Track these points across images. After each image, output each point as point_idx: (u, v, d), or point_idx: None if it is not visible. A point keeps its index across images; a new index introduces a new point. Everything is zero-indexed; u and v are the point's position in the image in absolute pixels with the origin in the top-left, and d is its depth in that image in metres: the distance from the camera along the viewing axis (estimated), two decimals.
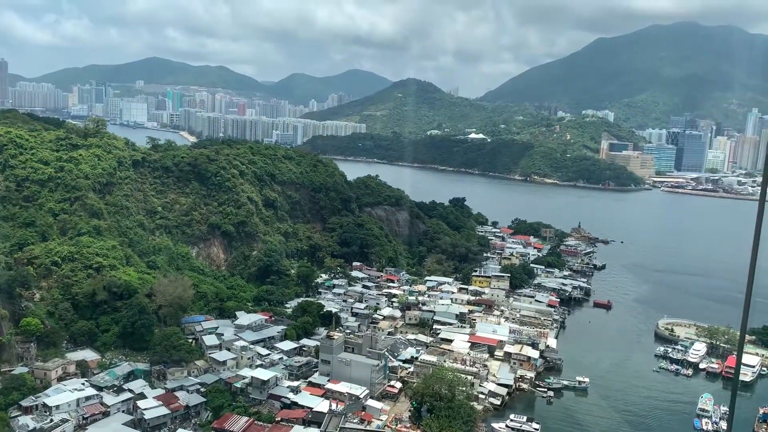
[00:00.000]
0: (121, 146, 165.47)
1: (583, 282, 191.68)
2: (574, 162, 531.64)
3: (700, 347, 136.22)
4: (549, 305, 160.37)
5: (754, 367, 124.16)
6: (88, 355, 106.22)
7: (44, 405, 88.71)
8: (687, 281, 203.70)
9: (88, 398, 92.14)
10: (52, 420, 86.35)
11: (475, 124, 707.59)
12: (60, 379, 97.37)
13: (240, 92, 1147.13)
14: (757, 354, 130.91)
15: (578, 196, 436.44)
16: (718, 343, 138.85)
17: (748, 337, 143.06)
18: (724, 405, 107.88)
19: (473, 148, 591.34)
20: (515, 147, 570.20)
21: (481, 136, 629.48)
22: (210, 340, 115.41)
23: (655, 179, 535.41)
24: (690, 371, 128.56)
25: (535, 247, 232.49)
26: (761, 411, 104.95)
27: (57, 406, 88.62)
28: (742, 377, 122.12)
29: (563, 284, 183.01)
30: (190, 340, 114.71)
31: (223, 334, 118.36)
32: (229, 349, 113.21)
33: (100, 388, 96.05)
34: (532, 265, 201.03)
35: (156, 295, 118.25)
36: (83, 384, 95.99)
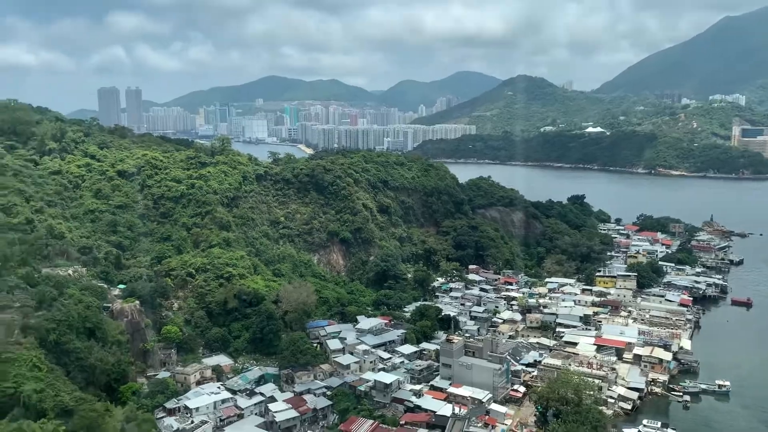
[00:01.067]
0: (245, 162, 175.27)
1: (719, 279, 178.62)
2: (702, 151, 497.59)
3: None
4: (681, 304, 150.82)
5: None
6: (222, 360, 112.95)
7: (185, 407, 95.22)
8: None
9: (224, 401, 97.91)
10: (192, 421, 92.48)
11: (592, 118, 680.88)
12: (198, 383, 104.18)
13: (351, 103, 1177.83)
14: None
15: (709, 188, 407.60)
16: None
17: None
18: None
19: (591, 143, 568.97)
20: (637, 139, 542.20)
21: (599, 129, 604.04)
22: (334, 344, 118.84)
23: None
24: None
25: (663, 244, 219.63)
26: None
27: (197, 409, 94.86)
28: None
29: (696, 282, 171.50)
30: (315, 345, 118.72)
31: (345, 338, 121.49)
32: (352, 353, 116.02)
33: (234, 392, 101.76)
34: (660, 262, 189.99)
35: (282, 301, 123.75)
36: (219, 388, 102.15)
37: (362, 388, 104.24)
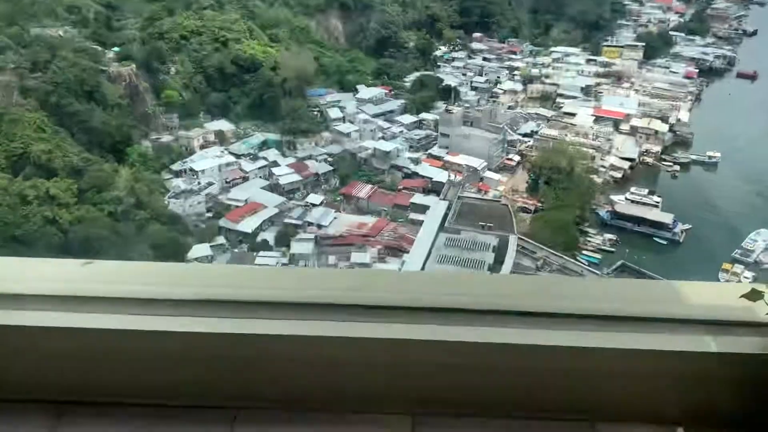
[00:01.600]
0: None
1: (728, 50, 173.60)
2: None
3: None
4: (686, 76, 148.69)
5: None
6: (224, 125, 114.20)
7: (191, 169, 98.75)
8: None
9: (228, 164, 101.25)
10: (199, 183, 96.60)
11: None
12: (202, 147, 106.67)
13: None
14: None
15: None
16: None
17: None
18: None
19: None
20: None
21: None
22: (334, 112, 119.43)
23: None
24: None
25: (676, 12, 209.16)
26: None
27: (203, 171, 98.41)
28: None
29: (704, 53, 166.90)
30: (315, 113, 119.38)
31: (345, 107, 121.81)
32: (352, 122, 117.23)
33: (237, 156, 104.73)
34: (671, 32, 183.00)
35: (280, 68, 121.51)
36: (222, 151, 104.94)
37: (362, 155, 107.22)
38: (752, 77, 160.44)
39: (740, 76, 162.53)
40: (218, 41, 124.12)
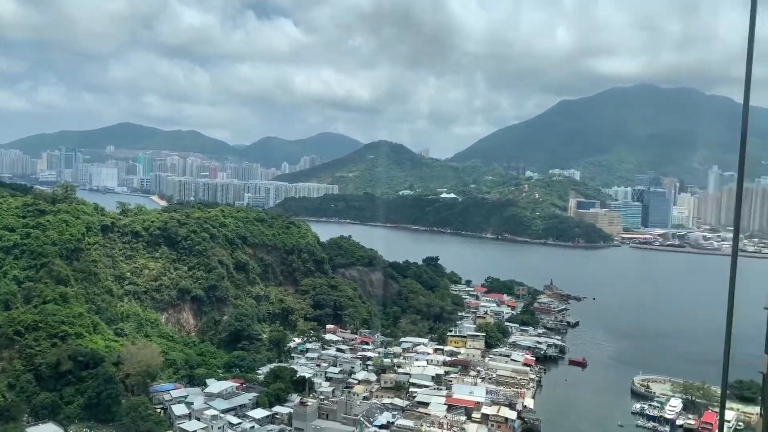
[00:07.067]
0: (90, 211, 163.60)
1: (558, 340, 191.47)
2: (543, 220, 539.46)
3: (676, 403, 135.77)
4: (525, 364, 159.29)
5: (729, 421, 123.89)
6: (50, 429, 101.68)
7: None
8: (659, 336, 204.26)
9: None
10: None
11: (446, 184, 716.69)
12: None
13: (212, 156, 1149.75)
14: (731, 408, 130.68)
15: (549, 254, 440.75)
16: (693, 398, 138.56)
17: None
18: None
19: (445, 208, 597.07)
20: (486, 206, 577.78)
21: (452, 195, 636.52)
22: (179, 409, 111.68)
23: (624, 236, 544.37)
24: (667, 428, 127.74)
25: (508, 306, 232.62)
26: None
27: None
28: None
29: (538, 342, 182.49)
30: (159, 410, 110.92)
31: (192, 403, 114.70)
32: (199, 419, 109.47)
33: None
34: (506, 323, 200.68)
35: (123, 363, 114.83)
36: None
37: None
38: (582, 364, 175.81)
39: (572, 363, 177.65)
40: (57, 336, 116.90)
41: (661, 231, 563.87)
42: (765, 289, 23.40)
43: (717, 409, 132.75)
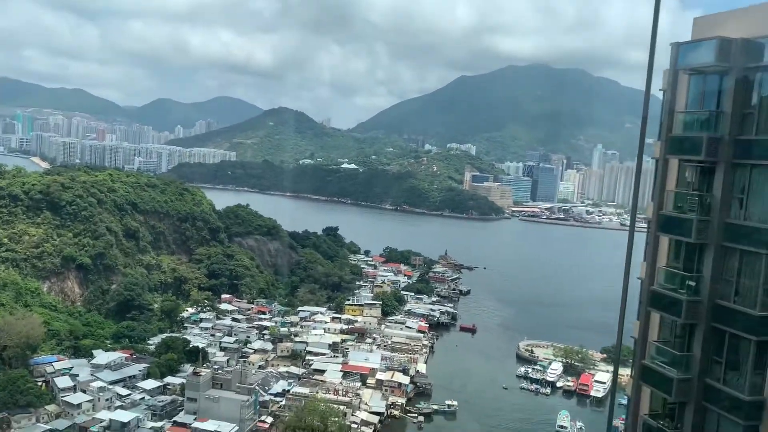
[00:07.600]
0: None
1: (450, 307, 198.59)
2: (440, 192, 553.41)
3: (557, 366, 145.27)
4: (419, 331, 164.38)
5: (605, 383, 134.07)
6: None
7: None
8: (544, 305, 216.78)
9: None
10: None
11: (348, 155, 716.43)
12: None
13: (100, 117, 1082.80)
14: (607, 371, 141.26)
15: (445, 225, 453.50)
16: (572, 362, 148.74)
17: (600, 355, 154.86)
18: (580, 421, 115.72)
19: (346, 178, 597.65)
20: (386, 177, 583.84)
21: (353, 166, 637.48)
22: (63, 382, 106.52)
23: (514, 209, 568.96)
24: (549, 390, 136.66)
25: (405, 275, 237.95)
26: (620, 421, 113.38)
27: None
28: (594, 393, 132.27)
29: (432, 310, 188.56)
30: (40, 384, 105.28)
31: (78, 375, 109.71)
32: (84, 391, 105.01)
33: None
34: (402, 292, 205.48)
35: (0, 335, 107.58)
36: None
37: (95, 429, 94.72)
38: (472, 330, 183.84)
39: (463, 329, 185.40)
40: None
41: (548, 205, 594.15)
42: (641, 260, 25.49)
43: (593, 371, 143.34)
